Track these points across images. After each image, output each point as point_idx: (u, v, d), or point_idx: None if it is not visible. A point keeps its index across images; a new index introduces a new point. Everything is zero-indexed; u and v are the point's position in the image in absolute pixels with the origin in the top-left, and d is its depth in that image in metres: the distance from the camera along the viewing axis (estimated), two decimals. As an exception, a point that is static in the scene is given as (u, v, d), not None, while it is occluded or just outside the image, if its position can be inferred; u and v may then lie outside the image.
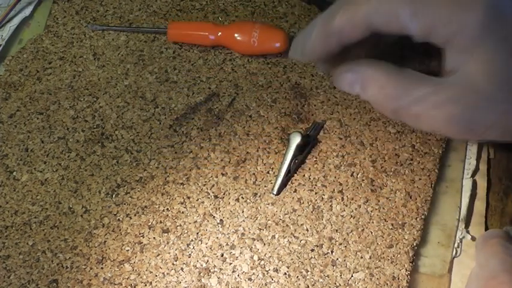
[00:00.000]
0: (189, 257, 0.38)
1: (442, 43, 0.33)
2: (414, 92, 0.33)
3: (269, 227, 0.39)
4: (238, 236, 0.38)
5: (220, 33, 0.46)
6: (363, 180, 0.40)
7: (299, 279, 0.36)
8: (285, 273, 0.37)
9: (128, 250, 0.38)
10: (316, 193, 0.40)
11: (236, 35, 0.46)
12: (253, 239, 0.38)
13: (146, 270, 0.37)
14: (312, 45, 0.35)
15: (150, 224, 0.39)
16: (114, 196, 0.41)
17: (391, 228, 0.38)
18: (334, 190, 0.40)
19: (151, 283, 0.37)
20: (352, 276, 0.36)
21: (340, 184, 0.40)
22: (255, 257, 0.37)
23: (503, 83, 0.32)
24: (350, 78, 0.35)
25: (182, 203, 0.40)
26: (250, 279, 0.37)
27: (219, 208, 0.39)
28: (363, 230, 0.38)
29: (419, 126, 0.35)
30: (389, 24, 0.32)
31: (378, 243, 0.38)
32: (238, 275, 0.37)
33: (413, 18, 0.32)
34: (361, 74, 0.35)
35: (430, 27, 0.32)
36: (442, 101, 0.32)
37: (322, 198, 0.40)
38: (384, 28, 0.33)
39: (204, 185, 0.41)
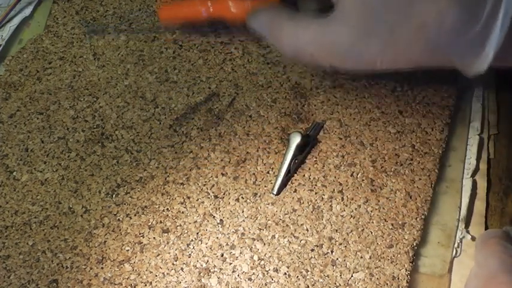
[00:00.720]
0: (189, 257, 0.38)
1: None
2: (303, 36, 0.37)
3: (269, 227, 0.39)
4: (238, 236, 0.38)
5: (210, 3, 0.44)
6: (363, 180, 0.40)
7: (299, 279, 0.36)
8: (285, 273, 0.37)
9: (128, 250, 0.38)
10: (316, 193, 0.40)
11: (230, 3, 0.44)
12: (253, 239, 0.38)
13: (146, 270, 0.37)
14: None
15: (150, 224, 0.39)
16: (114, 196, 0.41)
17: (391, 228, 0.38)
18: (334, 190, 0.40)
19: (151, 283, 0.37)
20: (352, 276, 0.36)
21: (340, 184, 0.40)
22: (255, 257, 0.37)
23: (376, 16, 0.33)
24: (259, 22, 0.40)
25: (182, 203, 0.40)
26: (250, 279, 0.37)
27: (219, 208, 0.39)
28: (363, 230, 0.38)
29: (318, 63, 0.39)
30: None
31: (378, 243, 0.38)
32: (238, 275, 0.37)
33: None
34: (266, 21, 0.40)
35: None
36: (326, 40, 0.36)
37: (322, 198, 0.40)
38: None
39: (204, 185, 0.41)
